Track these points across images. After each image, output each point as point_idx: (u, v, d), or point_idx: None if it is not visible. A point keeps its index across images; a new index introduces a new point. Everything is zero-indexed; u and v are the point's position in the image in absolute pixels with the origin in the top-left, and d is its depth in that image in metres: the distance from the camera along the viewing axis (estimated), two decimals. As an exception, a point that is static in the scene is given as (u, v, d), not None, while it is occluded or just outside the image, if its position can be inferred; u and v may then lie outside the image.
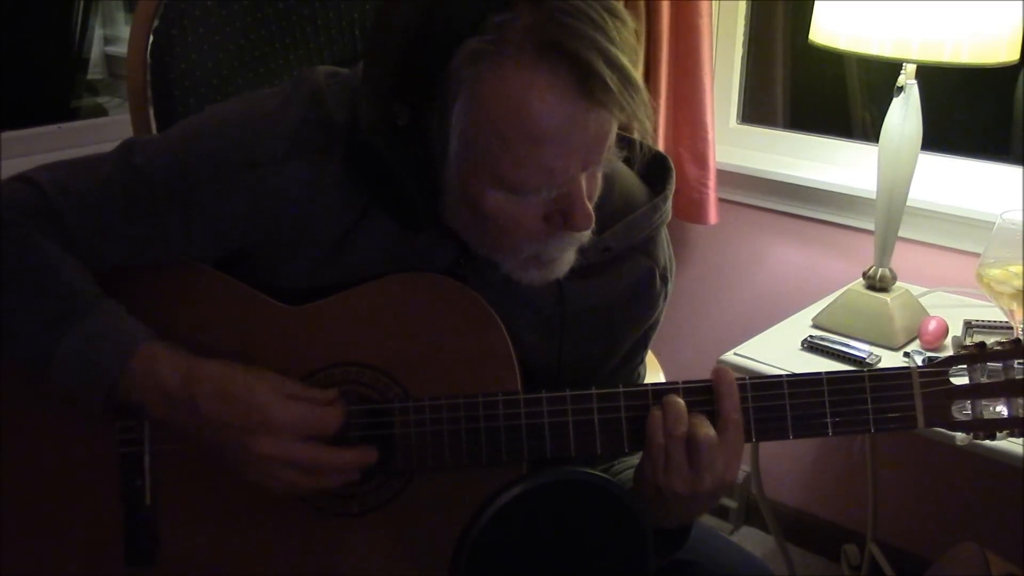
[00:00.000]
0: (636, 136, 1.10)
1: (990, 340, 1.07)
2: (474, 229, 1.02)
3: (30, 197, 1.06)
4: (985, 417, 1.04)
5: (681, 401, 1.01)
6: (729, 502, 2.46)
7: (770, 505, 2.11)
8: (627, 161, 1.13)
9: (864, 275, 1.86)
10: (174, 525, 1.10)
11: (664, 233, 1.16)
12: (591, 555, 1.03)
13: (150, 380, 1.02)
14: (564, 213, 0.97)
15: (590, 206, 0.98)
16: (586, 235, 1.02)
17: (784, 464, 2.37)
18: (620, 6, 0.94)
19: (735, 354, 1.75)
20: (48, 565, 1.12)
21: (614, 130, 0.97)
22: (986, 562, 1.52)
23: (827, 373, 1.03)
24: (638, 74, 0.93)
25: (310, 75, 1.07)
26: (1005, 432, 1.05)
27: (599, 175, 1.01)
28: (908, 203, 1.81)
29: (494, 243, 1.02)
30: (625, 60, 0.91)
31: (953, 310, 1.82)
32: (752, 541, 2.40)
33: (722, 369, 1.02)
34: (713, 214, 2.25)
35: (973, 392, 1.04)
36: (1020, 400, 1.04)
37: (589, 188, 0.99)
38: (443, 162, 0.96)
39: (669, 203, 1.13)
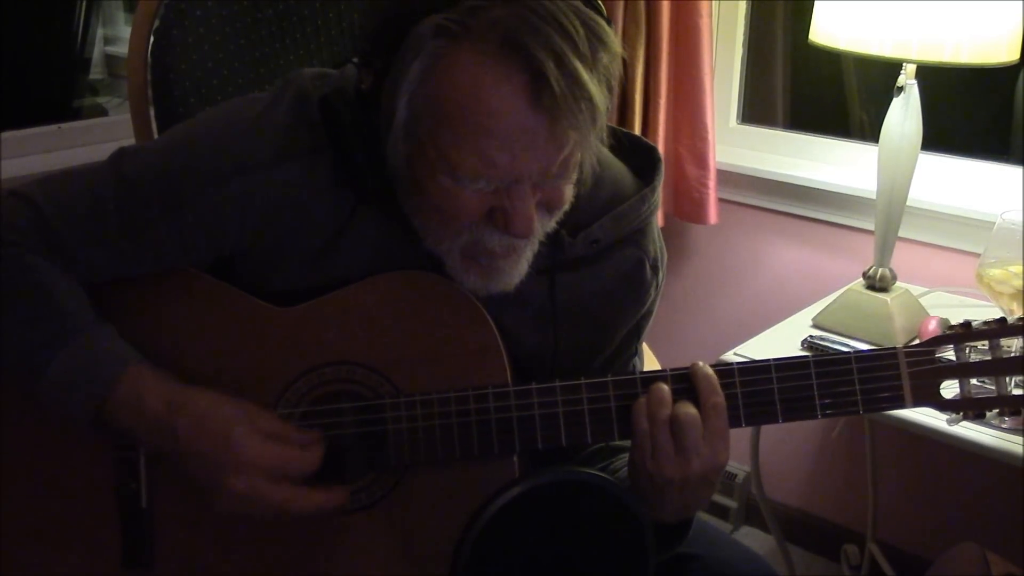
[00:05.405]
0: (583, 160, 1.03)
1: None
2: (421, 216, 1.02)
3: (26, 215, 1.07)
4: (974, 396, 1.03)
5: (665, 387, 1.01)
6: (729, 502, 2.46)
7: (770, 505, 2.11)
8: (617, 153, 1.13)
9: (864, 275, 1.86)
10: (170, 527, 1.10)
11: (654, 223, 1.16)
12: (591, 555, 1.03)
13: (134, 405, 1.03)
14: (506, 215, 0.97)
15: (535, 217, 0.97)
16: (533, 246, 1.02)
17: (784, 464, 2.37)
18: (611, 34, 0.94)
19: (735, 354, 1.75)
20: (45, 568, 1.12)
21: (575, 153, 0.96)
22: (986, 562, 1.52)
23: (814, 356, 1.04)
24: (605, 100, 0.92)
25: (297, 77, 1.08)
26: (995, 411, 1.04)
27: (565, 189, 1.00)
28: (908, 203, 1.81)
29: (436, 232, 1.02)
30: (586, 76, 0.90)
31: (953, 310, 1.82)
32: (752, 541, 2.40)
33: (696, 364, 1.03)
34: (713, 214, 2.25)
35: (960, 371, 1.03)
36: (1008, 379, 1.03)
37: (553, 198, 0.99)
38: (389, 129, 0.97)
39: (658, 194, 1.13)
